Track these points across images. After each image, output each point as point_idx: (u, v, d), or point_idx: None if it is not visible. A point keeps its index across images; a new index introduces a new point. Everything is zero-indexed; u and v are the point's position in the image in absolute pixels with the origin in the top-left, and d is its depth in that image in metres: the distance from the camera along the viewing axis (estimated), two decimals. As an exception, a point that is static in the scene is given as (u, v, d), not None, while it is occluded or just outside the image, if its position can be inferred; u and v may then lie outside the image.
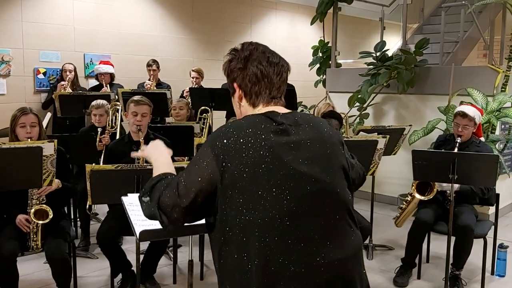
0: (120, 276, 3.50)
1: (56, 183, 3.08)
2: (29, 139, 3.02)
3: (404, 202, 3.85)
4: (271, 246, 1.42)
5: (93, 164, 3.01)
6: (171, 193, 1.47)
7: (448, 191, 3.63)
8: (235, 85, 1.61)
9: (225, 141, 1.47)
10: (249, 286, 1.43)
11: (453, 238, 3.45)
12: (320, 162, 1.51)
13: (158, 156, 1.77)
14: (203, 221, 2.06)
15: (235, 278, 1.46)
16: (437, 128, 5.13)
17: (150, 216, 1.55)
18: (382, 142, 3.61)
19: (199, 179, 1.46)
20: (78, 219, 4.42)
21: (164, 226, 1.51)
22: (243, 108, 1.63)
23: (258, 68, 1.57)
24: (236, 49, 1.62)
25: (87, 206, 4.00)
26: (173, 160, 3.83)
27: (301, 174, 1.47)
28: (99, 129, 4.36)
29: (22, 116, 3.10)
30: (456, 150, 3.60)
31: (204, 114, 5.27)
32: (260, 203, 1.43)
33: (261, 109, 1.59)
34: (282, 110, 1.59)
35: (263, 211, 1.42)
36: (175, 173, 1.64)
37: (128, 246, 4.00)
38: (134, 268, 3.44)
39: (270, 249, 1.42)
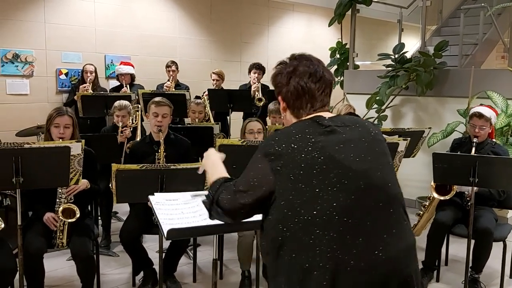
0: (141, 274, 3.57)
1: (85, 183, 3.15)
2: (60, 139, 3.10)
3: (422, 208, 3.85)
4: (331, 242, 1.48)
5: (115, 163, 3.07)
6: (228, 197, 1.59)
7: (466, 192, 3.64)
8: (279, 98, 1.73)
9: (276, 147, 1.56)
10: (307, 283, 1.48)
11: (472, 241, 3.45)
12: (369, 158, 1.58)
13: (212, 167, 1.85)
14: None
15: (293, 275, 1.51)
16: (456, 130, 5.11)
17: (216, 217, 1.67)
18: (403, 144, 3.61)
19: (256, 183, 1.56)
20: (99, 218, 4.50)
21: (225, 222, 1.68)
22: (288, 118, 1.74)
23: (300, 85, 1.66)
24: (283, 62, 1.73)
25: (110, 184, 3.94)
26: (196, 161, 3.89)
27: (354, 171, 1.53)
28: (120, 124, 4.46)
29: (57, 117, 3.17)
30: (473, 150, 3.62)
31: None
32: (317, 203, 1.49)
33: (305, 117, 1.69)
34: (327, 115, 1.68)
35: (321, 210, 1.49)
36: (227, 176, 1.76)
37: (149, 245, 4.06)
38: (155, 266, 3.51)
39: (330, 245, 1.48)
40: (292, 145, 1.55)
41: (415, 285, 1.57)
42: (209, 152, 1.93)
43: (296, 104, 1.68)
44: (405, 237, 1.57)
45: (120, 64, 6.17)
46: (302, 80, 1.66)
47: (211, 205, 1.64)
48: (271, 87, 6.08)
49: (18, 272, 2.84)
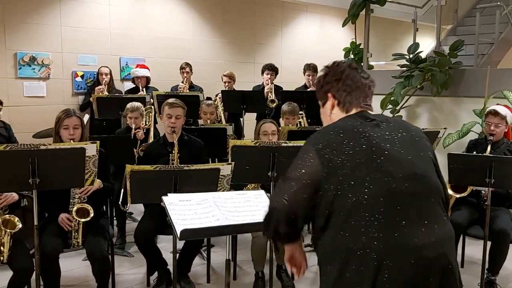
0: (156, 274, 3.59)
1: (98, 183, 3.18)
2: (71, 141, 3.14)
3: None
4: (376, 224, 1.56)
5: (129, 164, 3.09)
6: (280, 197, 1.67)
7: (483, 192, 3.60)
8: (329, 95, 1.84)
9: (325, 137, 1.69)
10: (351, 263, 1.56)
11: (488, 243, 3.40)
12: (412, 150, 1.70)
13: None
14: (242, 221, 2.12)
15: (338, 257, 1.59)
16: (472, 131, 5.05)
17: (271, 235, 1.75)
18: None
19: (303, 171, 1.66)
20: (114, 218, 4.54)
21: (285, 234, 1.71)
22: (334, 115, 1.83)
23: (353, 81, 1.81)
24: (329, 66, 1.87)
25: (120, 201, 4.00)
26: (207, 162, 3.89)
27: (398, 159, 1.65)
28: (133, 125, 4.50)
29: (66, 119, 3.22)
30: (489, 148, 3.60)
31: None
32: (364, 186, 1.59)
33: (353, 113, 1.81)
34: (372, 112, 1.82)
35: (367, 193, 1.59)
36: None
37: (163, 245, 4.08)
38: (169, 267, 3.53)
39: (375, 227, 1.56)
40: (340, 136, 1.67)
41: (455, 272, 1.63)
42: None
43: (348, 99, 1.80)
44: (444, 226, 1.65)
45: (136, 67, 6.23)
46: (355, 77, 1.81)
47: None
48: (284, 88, 6.08)
49: (34, 272, 2.88)
